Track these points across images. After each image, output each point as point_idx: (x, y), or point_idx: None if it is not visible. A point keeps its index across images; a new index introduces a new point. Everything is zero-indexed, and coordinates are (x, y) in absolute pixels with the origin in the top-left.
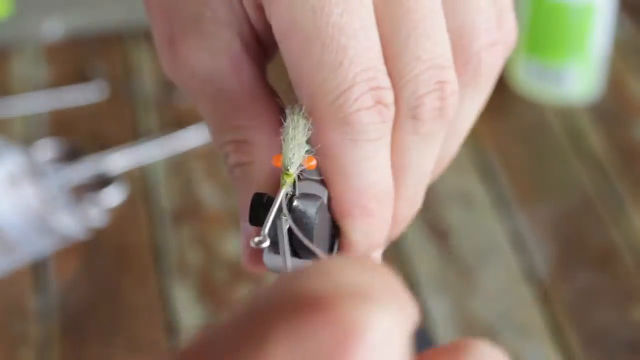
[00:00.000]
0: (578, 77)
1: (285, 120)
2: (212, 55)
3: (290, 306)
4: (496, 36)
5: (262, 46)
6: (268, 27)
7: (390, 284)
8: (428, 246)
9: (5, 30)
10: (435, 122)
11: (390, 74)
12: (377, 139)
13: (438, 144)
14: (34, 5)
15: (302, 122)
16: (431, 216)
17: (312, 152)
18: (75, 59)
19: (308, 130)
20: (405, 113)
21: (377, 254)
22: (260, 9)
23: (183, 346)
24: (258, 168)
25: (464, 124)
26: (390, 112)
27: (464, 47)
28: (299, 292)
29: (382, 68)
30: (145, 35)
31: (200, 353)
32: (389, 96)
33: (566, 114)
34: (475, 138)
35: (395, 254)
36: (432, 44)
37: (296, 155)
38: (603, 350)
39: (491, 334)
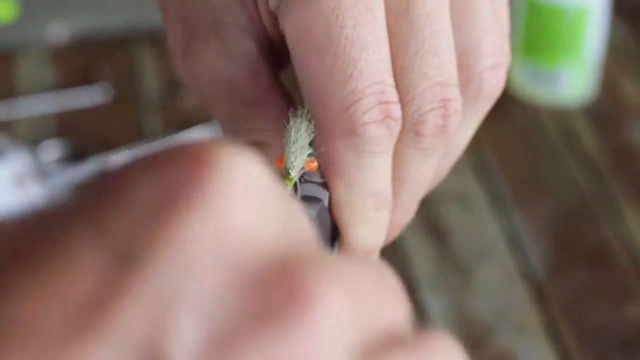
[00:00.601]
0: (572, 79)
1: (288, 123)
2: (231, 60)
3: (151, 159)
4: (499, 58)
5: (276, 53)
6: (282, 36)
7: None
8: (426, 245)
9: (11, 33)
10: (436, 138)
11: (396, 88)
12: (383, 152)
13: (437, 158)
14: (40, 9)
15: (304, 124)
16: (429, 216)
17: (314, 154)
18: (80, 61)
19: (311, 133)
20: (408, 127)
21: (374, 256)
22: (274, 18)
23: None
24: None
25: (461, 141)
26: (398, 126)
27: (468, 67)
28: (164, 150)
29: (391, 82)
30: (149, 39)
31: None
32: (397, 110)
33: (561, 116)
34: (472, 139)
35: (394, 253)
36: (439, 62)
37: (298, 158)
38: (598, 347)
39: (487, 332)
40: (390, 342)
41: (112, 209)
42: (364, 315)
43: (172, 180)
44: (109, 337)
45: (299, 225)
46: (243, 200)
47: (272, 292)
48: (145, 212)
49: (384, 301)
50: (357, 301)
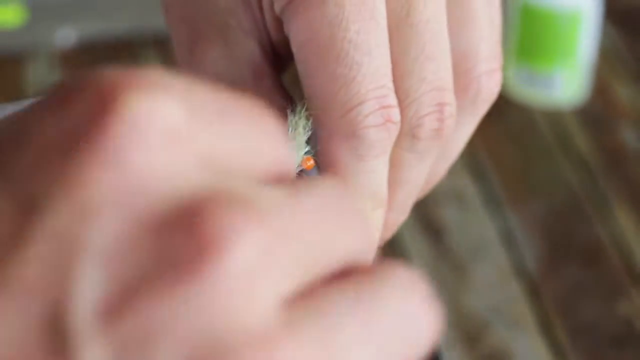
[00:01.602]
0: (565, 82)
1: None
2: (236, 62)
3: (54, 94)
4: (496, 63)
5: (278, 55)
6: (285, 39)
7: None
8: (422, 243)
9: (20, 38)
10: (432, 141)
11: (395, 92)
12: (381, 154)
13: (431, 161)
14: (48, 14)
15: (302, 122)
16: (426, 214)
17: (311, 152)
18: (87, 64)
19: (308, 131)
20: (405, 130)
21: (336, 179)
22: (279, 21)
23: None
24: None
25: (456, 146)
26: (397, 129)
27: (465, 72)
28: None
29: (391, 86)
30: (154, 42)
31: None
32: (396, 114)
33: (554, 117)
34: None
35: (391, 251)
36: (436, 66)
37: (295, 156)
38: (590, 343)
39: (482, 328)
40: (338, 277)
41: (17, 151)
42: (299, 254)
43: (75, 119)
44: (11, 291)
45: (232, 159)
46: (150, 142)
47: (176, 240)
48: (47, 154)
49: (334, 233)
50: (289, 239)
